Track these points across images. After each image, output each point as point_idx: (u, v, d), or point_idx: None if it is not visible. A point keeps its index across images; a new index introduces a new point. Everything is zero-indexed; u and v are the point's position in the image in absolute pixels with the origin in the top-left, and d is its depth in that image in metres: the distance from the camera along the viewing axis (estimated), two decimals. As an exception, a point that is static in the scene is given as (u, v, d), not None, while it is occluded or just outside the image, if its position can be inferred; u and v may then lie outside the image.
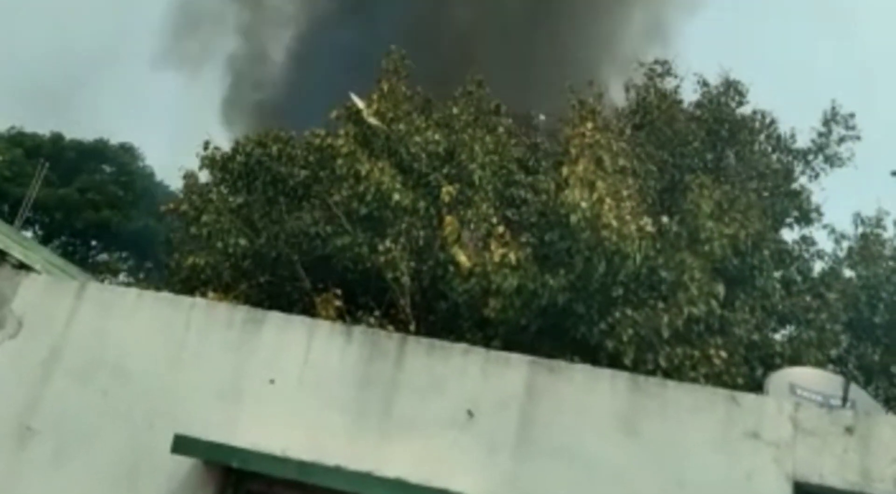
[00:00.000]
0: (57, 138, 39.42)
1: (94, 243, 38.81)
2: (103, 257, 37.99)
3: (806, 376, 10.17)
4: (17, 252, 16.65)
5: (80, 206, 36.87)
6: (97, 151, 39.98)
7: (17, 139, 38.21)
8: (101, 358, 8.31)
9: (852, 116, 17.97)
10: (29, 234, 33.95)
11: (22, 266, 15.57)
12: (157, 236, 29.43)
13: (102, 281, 24.06)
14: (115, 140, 40.78)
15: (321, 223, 15.73)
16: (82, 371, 8.28)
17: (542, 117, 18.60)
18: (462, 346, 8.13)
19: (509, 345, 10.37)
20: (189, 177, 17.97)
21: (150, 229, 33.44)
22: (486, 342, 12.33)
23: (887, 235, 16.18)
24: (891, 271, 15.10)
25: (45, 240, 36.14)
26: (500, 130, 17.34)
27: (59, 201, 36.37)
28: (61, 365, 8.36)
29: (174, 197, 19.07)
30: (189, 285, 15.92)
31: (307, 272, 15.73)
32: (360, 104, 15.99)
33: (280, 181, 16.54)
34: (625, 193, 13.71)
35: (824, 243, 16.93)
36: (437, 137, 15.94)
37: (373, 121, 15.90)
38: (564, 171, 13.72)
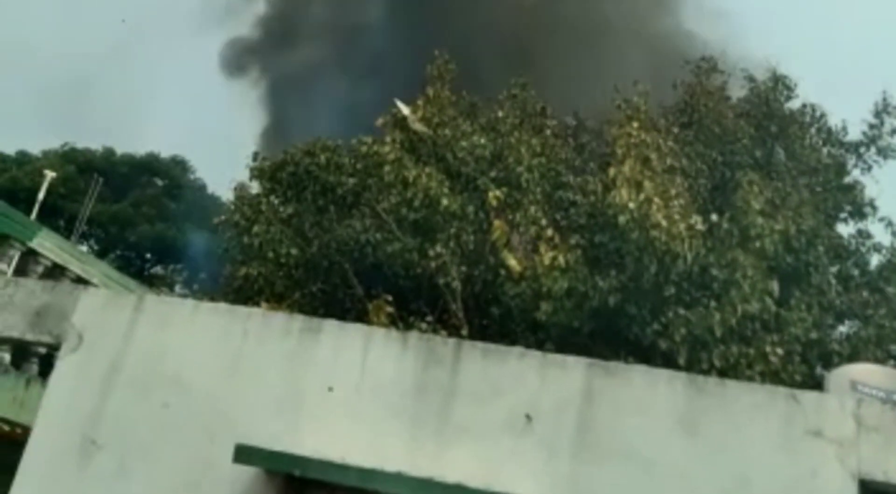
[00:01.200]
0: (109, 154, 40.14)
1: (148, 256, 39.42)
2: (158, 269, 38.56)
3: (866, 372, 9.97)
4: (75, 267, 16.94)
5: (134, 220, 37.50)
6: (149, 165, 40.66)
7: (70, 156, 38.99)
8: (161, 371, 8.39)
9: None
10: (85, 248, 34.56)
11: (80, 280, 15.86)
12: (210, 248, 29.82)
13: (159, 294, 24.41)
14: (166, 153, 41.45)
15: (371, 231, 15.79)
16: (143, 384, 8.36)
17: (576, 122, 18.42)
18: (518, 349, 8.11)
19: (562, 348, 10.31)
20: (240, 188, 18.15)
21: (202, 240, 33.88)
22: (539, 346, 12.26)
23: (943, 224, 15.77)
24: (949, 262, 14.75)
25: (100, 254, 36.78)
26: (547, 132, 17.28)
27: (112, 216, 37.02)
28: (122, 378, 8.45)
29: (226, 209, 19.28)
30: (242, 295, 16.08)
31: (359, 280, 15.81)
32: (406, 110, 16.06)
33: (329, 190, 16.64)
34: (673, 192, 13.57)
35: (881, 236, 16.50)
36: (483, 140, 15.93)
37: (419, 127, 15.96)
38: (611, 172, 13.65)
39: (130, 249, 38.61)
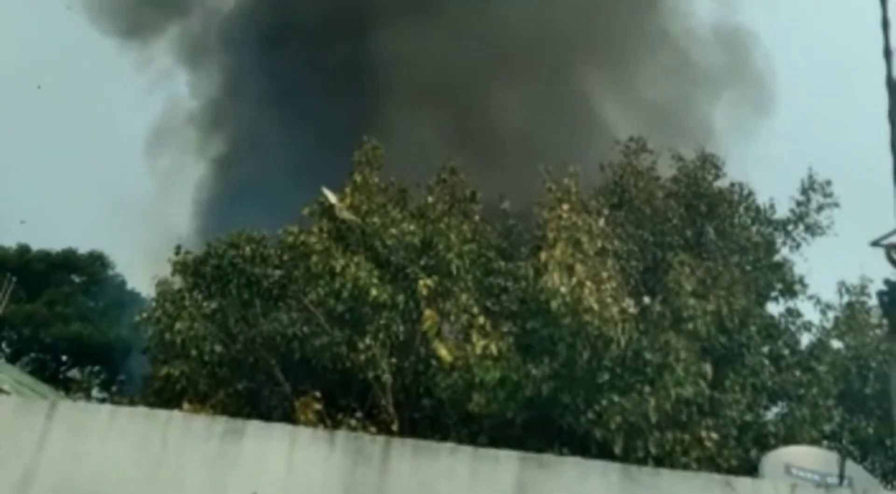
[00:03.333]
0: (23, 251, 39.49)
1: (64, 357, 38.57)
2: (74, 372, 37.70)
3: (801, 454, 10.23)
4: (-16, 373, 16.58)
5: (49, 320, 36.76)
6: (66, 262, 40.04)
7: (-18, 254, 38.28)
8: (77, 480, 8.26)
9: (829, 183, 18.31)
10: (-4, 352, 33.78)
11: (-10, 387, 15.51)
12: (129, 347, 29.30)
13: (74, 399, 23.86)
14: (84, 249, 40.91)
15: (298, 324, 15.78)
16: (57, 495, 8.21)
17: (522, 205, 18.78)
18: (449, 445, 8.18)
19: (496, 440, 10.40)
20: (161, 284, 17.99)
21: (122, 339, 33.30)
22: (472, 438, 12.32)
23: (872, 302, 16.39)
24: (878, 340, 15.27)
25: (13, 357, 35.88)
26: (477, 217, 17.59)
27: (27, 316, 36.26)
28: (35, 489, 8.29)
29: (147, 306, 19.07)
30: (164, 396, 15.85)
31: (286, 376, 15.73)
32: (333, 199, 16.20)
33: (254, 283, 16.63)
34: (605, 275, 13.87)
35: (810, 314, 17.10)
36: (412, 228, 16.16)
37: (346, 215, 16.11)
38: (543, 256, 13.90)
39: (45, 350, 37.79)
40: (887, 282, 4.30)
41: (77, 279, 40.34)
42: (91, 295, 38.92)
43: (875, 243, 4.25)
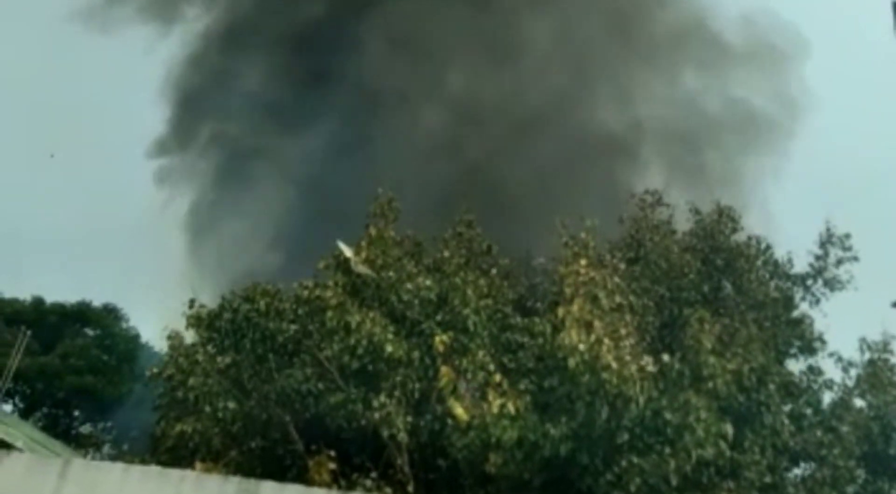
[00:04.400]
0: (38, 303, 39.83)
1: (76, 413, 38.69)
2: (87, 427, 37.76)
3: (824, 517, 10.11)
4: (-2, 430, 16.65)
5: (63, 373, 36.93)
6: (80, 314, 40.35)
7: (-3, 306, 38.65)
8: (88, 543, 8.28)
9: (848, 236, 18.30)
10: (9, 407, 33.85)
11: (3, 444, 15.56)
12: (142, 402, 29.31)
13: (86, 455, 23.87)
14: (98, 301, 41.22)
15: (313, 380, 15.75)
16: (68, 557, 8.23)
17: (540, 260, 18.81)
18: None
19: (514, 502, 10.34)
20: (174, 338, 18.04)
21: (135, 394, 33.36)
22: (490, 501, 12.26)
23: (895, 360, 16.26)
24: (902, 398, 15.13)
25: (26, 411, 36.02)
26: (494, 271, 17.62)
27: (40, 370, 36.44)
28: (47, 551, 8.32)
29: (159, 359, 19.12)
30: (177, 454, 15.83)
31: (300, 433, 15.66)
32: (348, 252, 16.27)
33: (269, 338, 16.62)
34: (623, 331, 13.86)
35: (832, 371, 16.95)
36: (428, 282, 16.18)
37: (362, 269, 16.17)
38: (560, 312, 13.92)
39: (58, 405, 37.93)
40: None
41: (91, 332, 40.59)
42: (104, 349, 39.11)
43: (895, 305, 4.25)
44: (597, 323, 13.52)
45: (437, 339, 14.65)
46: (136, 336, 40.61)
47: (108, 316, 41.06)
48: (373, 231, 16.60)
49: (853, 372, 16.58)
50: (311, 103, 37.34)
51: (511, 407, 13.08)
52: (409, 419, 14.57)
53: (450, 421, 13.85)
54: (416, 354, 14.99)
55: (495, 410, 13.07)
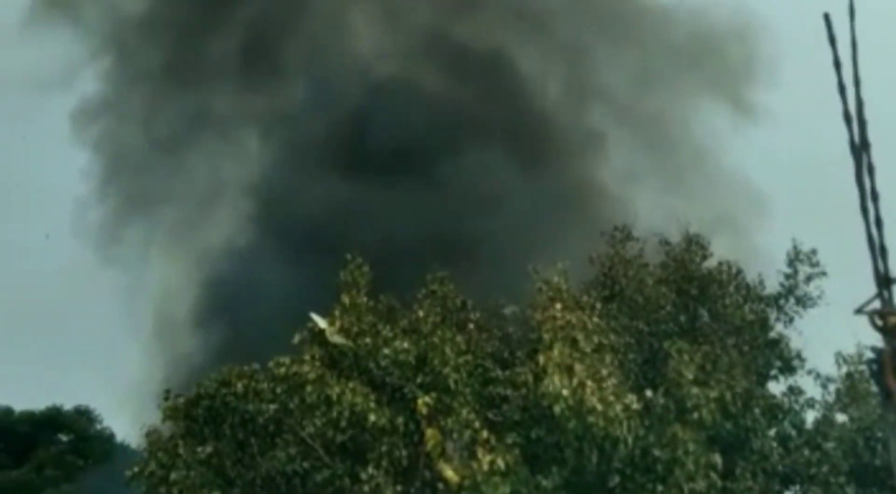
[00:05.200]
0: (7, 413, 39.19)
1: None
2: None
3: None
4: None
5: (39, 486, 36.17)
6: (52, 420, 39.71)
7: (-37, 423, 38.00)
8: None
9: (815, 252, 18.57)
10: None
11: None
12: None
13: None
14: (69, 405, 40.61)
15: (297, 460, 15.65)
16: None
17: (509, 310, 18.86)
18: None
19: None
20: (152, 433, 17.82)
21: (114, 496, 32.77)
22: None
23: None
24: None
25: (4, 531, 35.22)
26: (470, 326, 17.65)
27: (15, 485, 35.69)
28: None
29: (138, 458, 18.86)
30: (164, 553, 15.60)
31: (289, 517, 15.54)
32: (322, 323, 16.27)
33: (249, 421, 16.54)
34: (605, 371, 13.97)
35: (812, 389, 17.16)
36: (405, 345, 16.15)
37: (337, 339, 16.17)
38: (541, 359, 14.00)
39: (37, 520, 37.10)
40: (874, 349, 4.41)
41: (64, 438, 39.93)
42: (80, 453, 38.47)
43: (858, 311, 4.39)
44: (578, 366, 13.63)
45: (420, 401, 14.67)
46: (111, 436, 40.03)
47: (81, 419, 40.48)
48: (346, 299, 16.62)
49: (832, 388, 16.79)
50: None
51: (501, 463, 13.08)
52: (399, 488, 14.51)
53: (440, 485, 13.81)
54: (399, 420, 14.98)
55: (485, 467, 13.07)
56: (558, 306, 14.74)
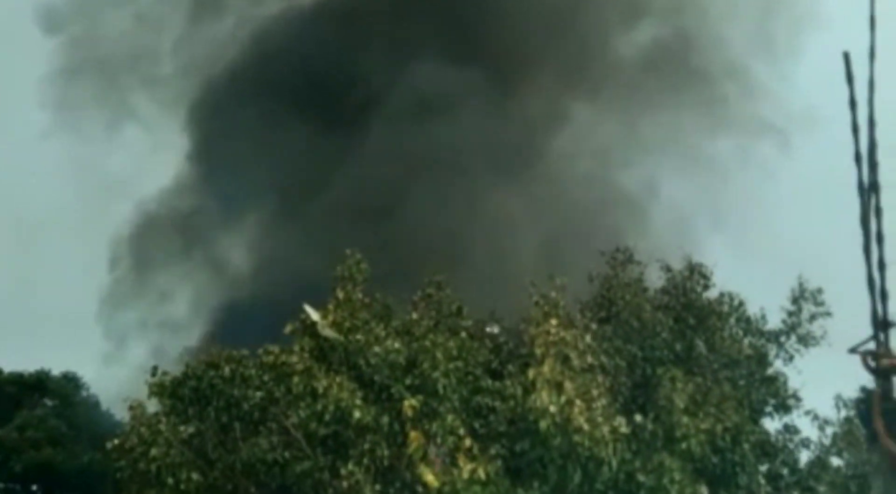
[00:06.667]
0: (-5, 373, 39.22)
1: (34, 487, 37.87)
2: (45, 502, 36.96)
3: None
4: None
5: (20, 446, 36.22)
6: (38, 384, 39.73)
7: (-48, 377, 38.04)
8: None
9: (820, 291, 18.49)
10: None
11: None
12: (103, 473, 28.78)
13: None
14: (57, 370, 40.60)
15: (279, 449, 15.67)
16: None
17: (497, 328, 18.81)
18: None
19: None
20: (136, 407, 17.78)
21: (95, 464, 32.75)
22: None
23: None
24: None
25: (-18, 487, 35.19)
26: (463, 333, 17.61)
27: (-3, 444, 35.75)
28: None
29: (121, 429, 18.85)
30: (139, 528, 15.60)
31: (266, 505, 15.53)
32: (315, 316, 16.23)
33: (234, 405, 16.56)
34: (595, 392, 13.89)
35: (808, 429, 17.04)
36: (397, 345, 16.14)
37: (329, 333, 16.13)
38: (531, 373, 13.93)
39: (15, 479, 37.05)
40: (864, 390, 4.41)
41: (49, 402, 39.94)
42: (64, 418, 38.45)
43: (852, 350, 4.40)
44: (568, 384, 13.55)
45: (407, 403, 14.57)
46: (97, 404, 39.99)
47: (68, 385, 40.46)
48: (340, 294, 16.59)
49: (829, 431, 16.67)
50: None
51: (482, 473, 13.00)
52: (378, 487, 14.48)
53: (420, 488, 13.77)
54: (384, 419, 14.94)
55: (466, 475, 12.98)
56: (553, 321, 14.67)
